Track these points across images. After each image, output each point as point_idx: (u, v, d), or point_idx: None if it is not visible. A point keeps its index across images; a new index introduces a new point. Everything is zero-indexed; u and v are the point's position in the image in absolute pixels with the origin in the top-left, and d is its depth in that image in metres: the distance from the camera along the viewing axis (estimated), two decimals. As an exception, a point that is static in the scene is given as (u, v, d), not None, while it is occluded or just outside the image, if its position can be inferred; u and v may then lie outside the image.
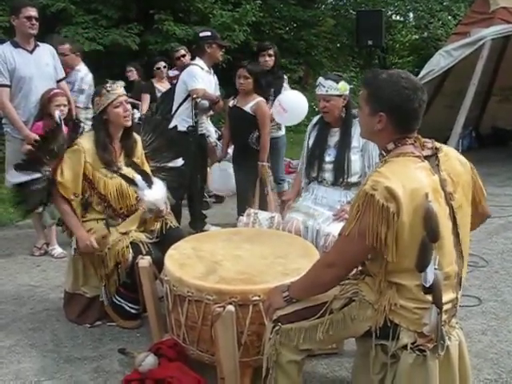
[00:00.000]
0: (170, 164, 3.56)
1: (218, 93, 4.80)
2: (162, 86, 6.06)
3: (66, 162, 3.06)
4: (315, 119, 3.46)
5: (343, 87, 3.18)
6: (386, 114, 1.92)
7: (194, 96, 4.29)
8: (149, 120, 3.67)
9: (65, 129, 4.15)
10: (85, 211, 3.16)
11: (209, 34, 4.52)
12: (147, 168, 3.36)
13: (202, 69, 4.47)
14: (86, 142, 3.11)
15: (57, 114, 3.93)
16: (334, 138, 3.30)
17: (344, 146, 3.24)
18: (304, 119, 4.64)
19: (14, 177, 3.12)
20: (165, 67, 6.17)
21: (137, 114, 3.16)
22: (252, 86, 4.25)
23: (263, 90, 4.40)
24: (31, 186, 3.09)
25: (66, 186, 3.04)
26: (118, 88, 3.11)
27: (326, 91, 3.19)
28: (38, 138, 3.28)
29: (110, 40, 8.87)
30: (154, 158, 3.50)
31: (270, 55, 4.89)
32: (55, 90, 4.18)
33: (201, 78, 4.40)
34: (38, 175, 3.08)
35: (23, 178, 3.09)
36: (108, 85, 3.11)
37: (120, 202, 3.15)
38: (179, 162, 3.60)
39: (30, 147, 3.97)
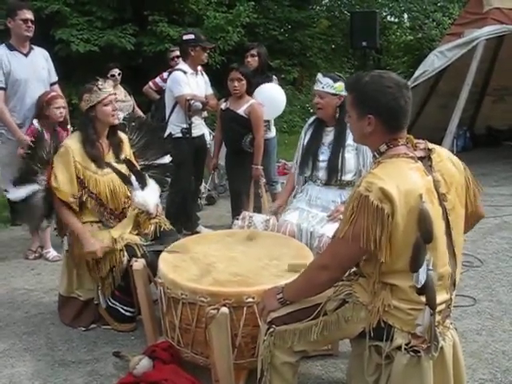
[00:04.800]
0: (159, 161, 3.58)
1: (210, 92, 4.78)
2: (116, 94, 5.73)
3: (56, 166, 3.06)
4: (311, 119, 3.48)
5: (339, 87, 3.19)
6: (374, 115, 1.93)
7: (188, 98, 4.28)
8: (133, 119, 3.68)
9: (64, 132, 4.18)
10: (80, 213, 3.15)
11: (192, 36, 4.48)
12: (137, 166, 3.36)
13: (186, 73, 4.43)
14: (72, 142, 3.12)
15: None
16: (329, 137, 3.31)
17: (338, 144, 3.24)
18: (299, 120, 4.64)
19: (15, 193, 3.13)
20: (119, 74, 5.86)
21: (121, 115, 3.21)
22: (245, 88, 4.24)
23: (252, 92, 4.40)
24: (32, 200, 3.10)
25: (62, 189, 3.04)
26: (109, 87, 3.15)
27: (322, 88, 3.22)
28: (30, 143, 3.28)
29: (104, 41, 8.87)
30: (142, 156, 3.52)
31: (252, 55, 4.88)
32: (53, 93, 4.19)
33: (185, 82, 4.37)
34: (35, 187, 3.09)
35: (23, 192, 3.10)
36: (100, 83, 3.14)
37: (112, 201, 3.16)
38: (167, 158, 3.62)
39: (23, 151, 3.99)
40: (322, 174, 3.28)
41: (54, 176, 3.04)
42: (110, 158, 3.21)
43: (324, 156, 3.28)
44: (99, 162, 3.13)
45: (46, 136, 3.41)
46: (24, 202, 3.13)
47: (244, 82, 4.21)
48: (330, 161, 3.24)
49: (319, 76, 3.28)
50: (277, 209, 3.51)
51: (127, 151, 3.32)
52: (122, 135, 3.34)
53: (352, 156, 3.24)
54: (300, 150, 3.42)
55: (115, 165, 3.20)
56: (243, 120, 4.25)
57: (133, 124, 3.58)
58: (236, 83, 4.21)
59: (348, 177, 3.24)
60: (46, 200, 3.12)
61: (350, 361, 2.31)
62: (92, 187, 3.10)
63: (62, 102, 4.15)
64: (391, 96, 1.90)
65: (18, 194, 3.12)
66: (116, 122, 3.19)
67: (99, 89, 3.09)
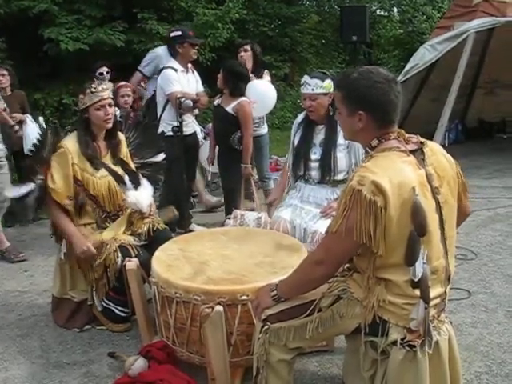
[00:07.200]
0: (153, 159, 3.57)
1: (201, 89, 4.77)
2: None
3: (54, 166, 3.01)
4: (300, 117, 3.43)
5: (329, 85, 3.16)
6: (365, 111, 1.92)
7: (178, 96, 4.26)
8: (129, 117, 3.67)
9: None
10: (79, 215, 3.12)
11: (179, 33, 4.48)
12: (132, 166, 3.34)
13: (176, 70, 4.42)
14: (70, 142, 3.07)
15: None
16: (320, 135, 3.27)
17: (330, 143, 3.21)
18: (291, 116, 4.63)
19: (12, 191, 3.08)
20: (108, 73, 5.60)
21: (118, 112, 3.18)
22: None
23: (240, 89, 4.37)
24: (26, 199, 3.05)
25: (58, 191, 2.99)
26: (103, 91, 3.06)
27: (312, 90, 3.16)
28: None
29: (94, 39, 8.80)
30: (137, 154, 3.49)
31: (245, 50, 4.89)
32: (121, 82, 4.88)
33: (175, 80, 4.37)
34: (32, 186, 3.03)
35: (22, 190, 3.04)
36: (93, 85, 3.07)
37: (109, 203, 3.13)
38: (160, 156, 3.61)
39: None
40: (314, 174, 3.26)
41: (51, 176, 2.99)
42: (107, 159, 3.17)
43: (316, 156, 3.25)
44: (95, 162, 3.08)
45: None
46: (19, 201, 3.07)
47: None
48: (322, 160, 3.22)
49: (306, 78, 3.19)
50: (270, 202, 3.50)
51: (124, 151, 3.29)
52: (120, 135, 3.30)
53: (344, 155, 3.21)
54: (291, 151, 3.39)
55: (111, 166, 3.16)
56: (231, 117, 4.22)
57: (129, 122, 3.56)
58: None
59: (340, 176, 3.22)
60: (37, 201, 3.07)
61: (346, 356, 2.31)
62: (91, 189, 3.07)
63: (125, 90, 4.75)
64: (381, 91, 1.89)
65: (15, 192, 3.06)
66: (109, 126, 3.12)
67: (92, 92, 3.03)
